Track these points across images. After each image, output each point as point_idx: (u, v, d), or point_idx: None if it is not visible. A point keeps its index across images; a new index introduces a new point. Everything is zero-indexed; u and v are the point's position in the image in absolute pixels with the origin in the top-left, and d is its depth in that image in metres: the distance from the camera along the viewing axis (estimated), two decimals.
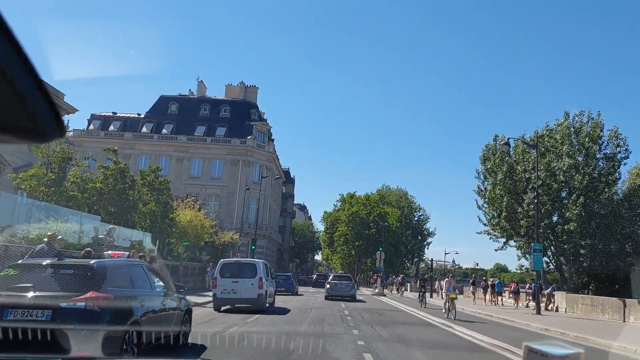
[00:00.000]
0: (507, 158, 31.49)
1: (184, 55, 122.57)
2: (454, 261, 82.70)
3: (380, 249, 41.31)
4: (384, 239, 68.88)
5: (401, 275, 54.73)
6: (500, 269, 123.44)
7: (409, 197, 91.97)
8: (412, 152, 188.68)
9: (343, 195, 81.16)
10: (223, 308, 18.71)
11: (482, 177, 34.32)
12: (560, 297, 29.19)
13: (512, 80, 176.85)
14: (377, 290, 42.37)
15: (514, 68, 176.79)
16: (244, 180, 60.71)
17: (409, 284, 57.40)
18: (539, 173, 27.67)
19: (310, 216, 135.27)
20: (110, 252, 13.60)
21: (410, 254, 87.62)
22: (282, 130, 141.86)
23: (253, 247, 40.43)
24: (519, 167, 30.89)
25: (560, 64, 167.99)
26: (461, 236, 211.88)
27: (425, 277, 34.56)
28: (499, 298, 33.98)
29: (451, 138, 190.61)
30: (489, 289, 34.36)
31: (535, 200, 24.37)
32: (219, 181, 60.86)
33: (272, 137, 68.69)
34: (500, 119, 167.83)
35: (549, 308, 29.16)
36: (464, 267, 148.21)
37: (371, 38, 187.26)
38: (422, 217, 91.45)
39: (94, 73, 76.72)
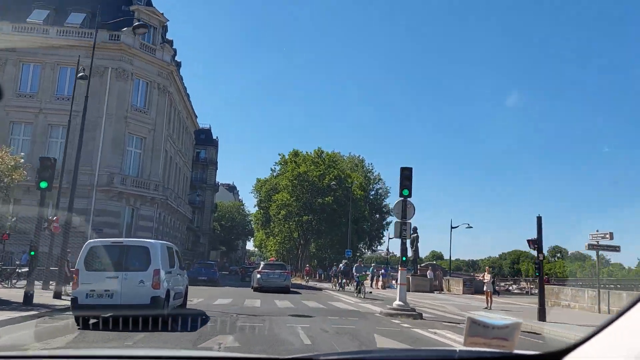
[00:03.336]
0: None
1: None
2: (388, 249, 59.70)
3: (406, 192, 16.07)
4: (349, 211, 45.86)
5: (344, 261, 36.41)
6: (437, 257, 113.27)
7: (367, 165, 67.96)
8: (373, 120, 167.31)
9: (284, 155, 57.37)
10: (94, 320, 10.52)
11: None
12: None
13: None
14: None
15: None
16: (115, 103, 35.01)
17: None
18: None
19: (241, 199, 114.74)
20: None
21: (367, 236, 64.40)
22: (201, 90, 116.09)
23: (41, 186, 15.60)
24: None
25: None
26: None
27: None
28: None
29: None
30: None
31: None
32: (69, 103, 34.82)
33: (174, 48, 42.95)
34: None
35: None
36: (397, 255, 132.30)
37: None
38: (380, 190, 67.72)
39: None
